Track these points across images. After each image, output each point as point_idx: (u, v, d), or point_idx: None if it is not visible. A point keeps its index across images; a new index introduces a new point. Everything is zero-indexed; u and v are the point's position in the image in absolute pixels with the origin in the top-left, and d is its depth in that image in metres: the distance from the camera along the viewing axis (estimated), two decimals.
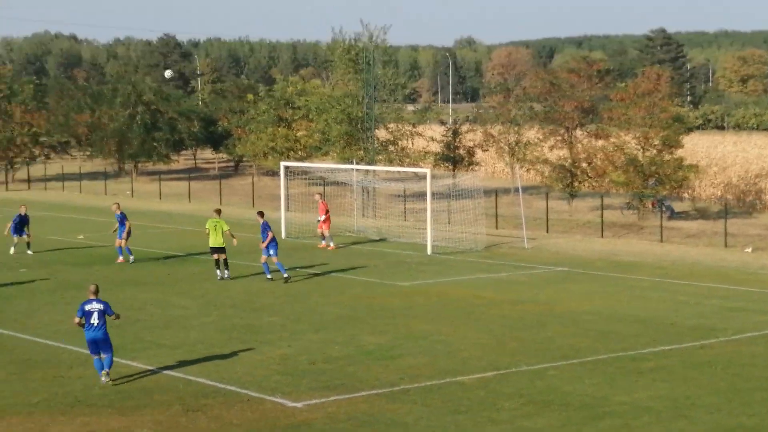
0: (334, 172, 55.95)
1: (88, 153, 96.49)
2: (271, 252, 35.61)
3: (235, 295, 33.40)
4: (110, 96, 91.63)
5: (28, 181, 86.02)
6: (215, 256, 36.48)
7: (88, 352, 22.93)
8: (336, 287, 35.11)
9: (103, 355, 22.33)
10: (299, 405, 20.78)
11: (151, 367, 23.80)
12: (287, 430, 19.23)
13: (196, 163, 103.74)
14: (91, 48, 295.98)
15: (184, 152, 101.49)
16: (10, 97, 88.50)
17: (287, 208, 50.88)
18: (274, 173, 74.53)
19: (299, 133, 77.98)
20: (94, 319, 22.16)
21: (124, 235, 40.67)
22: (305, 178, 58.61)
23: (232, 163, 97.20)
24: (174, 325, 28.64)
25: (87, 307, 22.25)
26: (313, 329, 28.13)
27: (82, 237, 49.03)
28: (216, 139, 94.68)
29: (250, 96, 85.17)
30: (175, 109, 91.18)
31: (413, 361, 24.46)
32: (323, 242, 45.10)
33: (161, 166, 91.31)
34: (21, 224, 43.30)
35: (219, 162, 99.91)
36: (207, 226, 36.62)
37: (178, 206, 67.07)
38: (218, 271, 36.39)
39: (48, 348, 25.83)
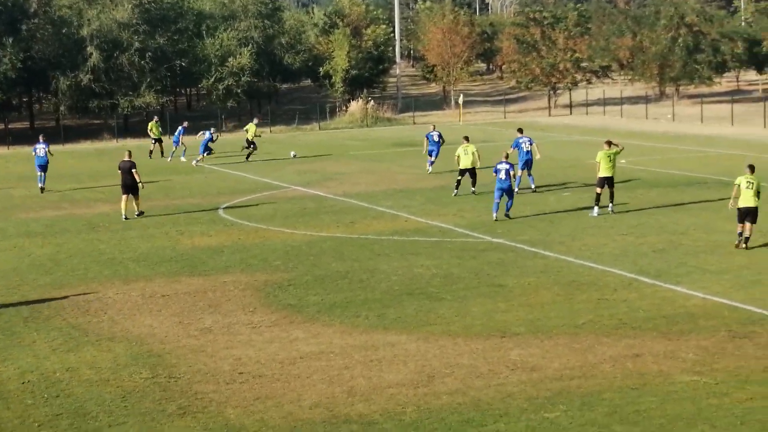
0: None
1: (629, 77, 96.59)
2: None
3: None
4: (652, 19, 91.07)
5: (570, 106, 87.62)
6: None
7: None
8: None
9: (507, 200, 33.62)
10: None
11: (695, 293, 23.52)
12: None
13: (738, 85, 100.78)
14: None
15: (726, 74, 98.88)
16: (554, 24, 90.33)
17: None
18: None
19: None
20: (502, 175, 33.03)
21: None
22: None
23: None
24: (719, 251, 28.07)
25: (499, 167, 33.28)
26: None
27: (624, 162, 49.22)
28: (760, 60, 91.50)
29: None
30: (718, 30, 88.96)
31: None
32: None
33: (703, 89, 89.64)
34: None
35: (763, 84, 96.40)
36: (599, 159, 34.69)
37: (719, 130, 65.62)
38: None
39: (592, 271, 26.24)
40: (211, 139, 53.49)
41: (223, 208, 38.83)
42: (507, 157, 34.08)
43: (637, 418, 16.01)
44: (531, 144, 40.46)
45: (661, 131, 65.97)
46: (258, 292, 25.05)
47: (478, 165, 39.57)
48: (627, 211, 34.92)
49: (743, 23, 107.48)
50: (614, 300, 23.18)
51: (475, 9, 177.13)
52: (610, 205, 34.73)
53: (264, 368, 19.04)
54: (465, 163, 39.30)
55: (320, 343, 20.55)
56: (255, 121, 57.78)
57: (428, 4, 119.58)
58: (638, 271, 25.87)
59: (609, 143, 34.93)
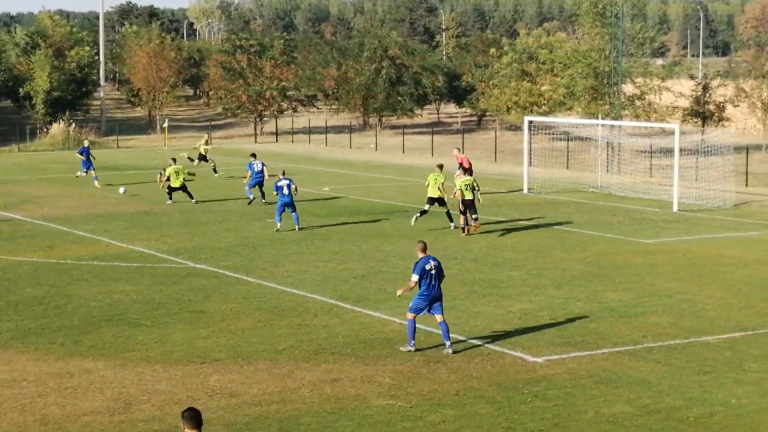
0: (578, 126, 55.33)
1: (334, 107, 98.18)
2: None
3: (477, 249, 33.40)
4: (356, 50, 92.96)
5: (276, 133, 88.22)
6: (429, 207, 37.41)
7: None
8: (579, 243, 34.69)
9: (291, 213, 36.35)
10: (540, 360, 20.65)
11: (392, 318, 24.08)
12: (527, 384, 19.11)
13: (439, 117, 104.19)
14: (338, 3, 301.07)
15: (427, 106, 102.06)
16: (260, 52, 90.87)
17: (530, 163, 50.59)
18: (517, 128, 74.18)
19: (543, 88, 77.30)
20: (285, 191, 35.62)
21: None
22: (548, 133, 58.07)
23: (474, 118, 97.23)
24: None
25: (279, 184, 35.80)
26: (555, 285, 27.89)
27: (327, 189, 49.98)
28: (459, 94, 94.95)
29: (494, 50, 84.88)
30: (420, 63, 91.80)
31: (657, 319, 23.97)
32: None
33: (405, 120, 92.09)
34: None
35: (462, 116, 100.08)
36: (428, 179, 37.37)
37: (420, 160, 67.53)
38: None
39: (294, 297, 26.45)
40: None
41: None
42: (284, 173, 37.06)
43: None
44: (263, 166, 44.61)
45: (364, 160, 67.30)
46: None
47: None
48: (329, 239, 35.43)
49: (444, 58, 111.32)
50: (314, 326, 23.44)
51: (183, 35, 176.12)
52: (452, 224, 36.98)
53: None
54: (177, 183, 44.25)
55: (13, 370, 19.84)
56: (204, 139, 59.09)
57: (135, 28, 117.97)
58: (339, 297, 26.27)
59: (440, 167, 37.67)
